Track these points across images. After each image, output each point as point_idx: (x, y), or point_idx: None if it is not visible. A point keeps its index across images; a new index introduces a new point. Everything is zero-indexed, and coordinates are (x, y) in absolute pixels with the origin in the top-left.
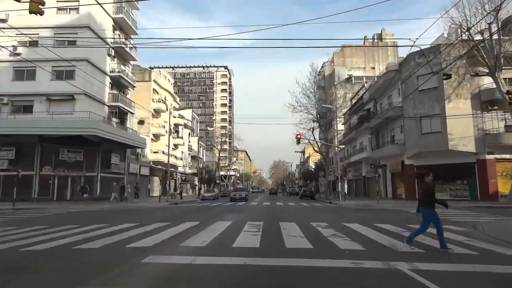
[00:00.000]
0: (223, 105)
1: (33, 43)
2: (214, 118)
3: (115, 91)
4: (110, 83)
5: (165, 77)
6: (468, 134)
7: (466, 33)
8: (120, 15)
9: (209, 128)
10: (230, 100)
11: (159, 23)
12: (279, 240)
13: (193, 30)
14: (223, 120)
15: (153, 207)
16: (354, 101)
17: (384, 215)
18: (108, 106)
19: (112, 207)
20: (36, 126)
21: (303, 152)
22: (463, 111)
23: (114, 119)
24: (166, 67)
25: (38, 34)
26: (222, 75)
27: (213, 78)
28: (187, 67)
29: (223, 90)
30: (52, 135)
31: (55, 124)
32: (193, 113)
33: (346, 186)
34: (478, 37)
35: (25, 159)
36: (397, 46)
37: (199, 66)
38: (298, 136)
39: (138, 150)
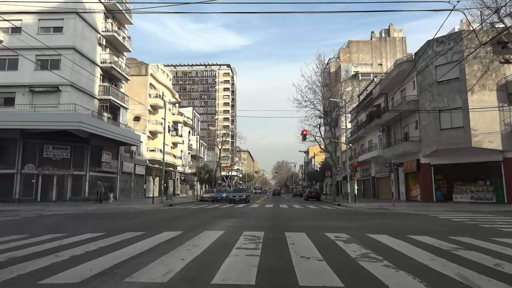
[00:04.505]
0: (226, 104)
1: (16, 30)
2: (216, 117)
3: (106, 84)
4: (101, 74)
5: (163, 72)
6: (493, 129)
7: (494, 15)
8: (112, 1)
9: (211, 128)
10: (233, 99)
11: (156, 24)
12: (286, 267)
13: (192, 30)
14: (226, 119)
15: (139, 210)
16: (362, 97)
17: (409, 221)
18: (98, 99)
19: (95, 209)
20: (17, 119)
21: (307, 152)
22: (488, 104)
23: (106, 114)
24: (168, 65)
25: (21, 20)
26: (225, 73)
27: (215, 76)
28: (189, 65)
29: (225, 89)
30: (35, 130)
31: (37, 117)
32: (194, 111)
33: (356, 187)
34: (507, 20)
35: (6, 156)
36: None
37: (201, 65)
38: (304, 132)
39: (133, 148)
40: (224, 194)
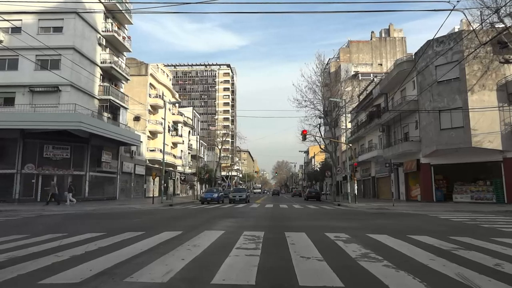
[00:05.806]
0: (226, 104)
1: (16, 30)
2: (216, 117)
3: (106, 84)
4: (100, 74)
5: (163, 72)
6: (493, 129)
7: (494, 15)
8: (112, 1)
9: (211, 128)
10: (233, 99)
11: (155, 24)
12: (286, 267)
13: (190, 30)
14: (226, 119)
15: (139, 210)
16: (362, 97)
17: (409, 221)
18: (98, 99)
19: (95, 209)
20: (17, 119)
21: (307, 152)
22: (488, 104)
23: (106, 114)
24: (168, 65)
25: (21, 20)
26: (225, 73)
27: (215, 76)
28: (189, 65)
29: (225, 89)
30: (35, 130)
31: (37, 117)
32: (194, 111)
33: (356, 186)
34: (507, 20)
35: (6, 156)
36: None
37: (201, 65)
38: (304, 132)
39: (133, 148)
40: (216, 195)
